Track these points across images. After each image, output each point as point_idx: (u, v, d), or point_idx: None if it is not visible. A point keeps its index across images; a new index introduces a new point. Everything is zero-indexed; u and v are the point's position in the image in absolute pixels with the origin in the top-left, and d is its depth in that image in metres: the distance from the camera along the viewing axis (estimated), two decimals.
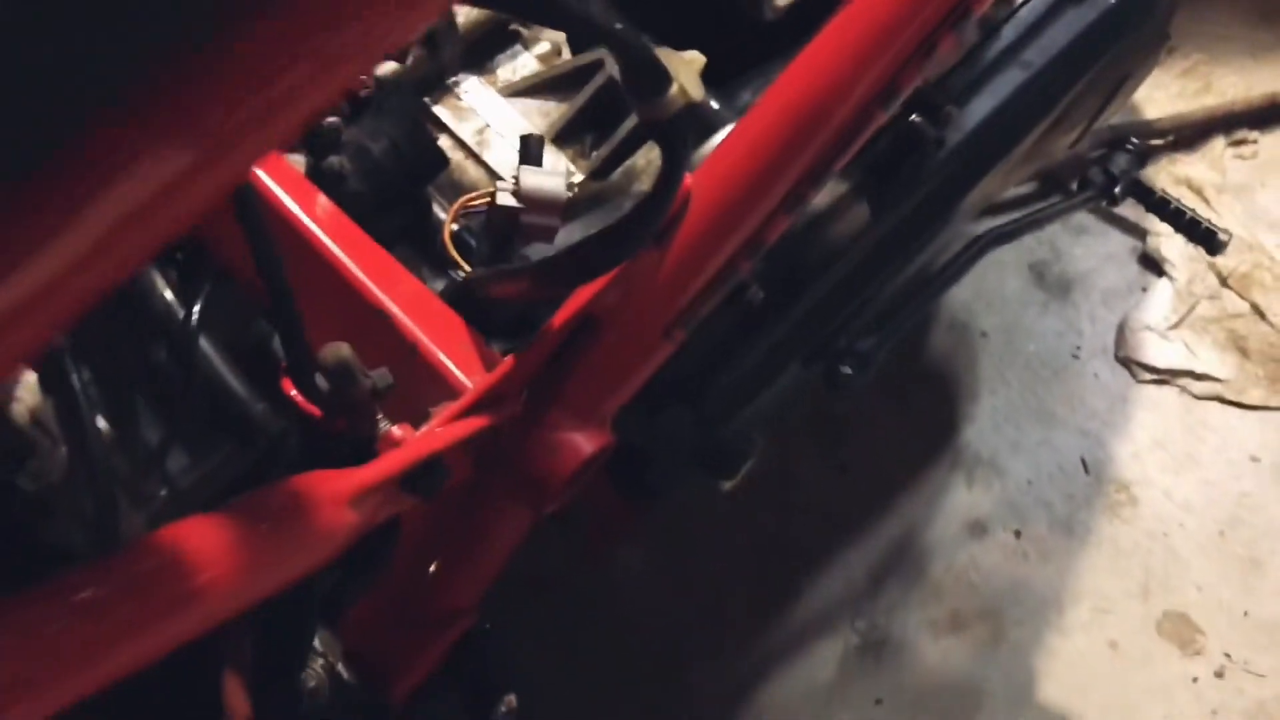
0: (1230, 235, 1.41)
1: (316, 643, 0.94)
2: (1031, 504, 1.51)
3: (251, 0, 0.32)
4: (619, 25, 0.51)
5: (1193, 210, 1.35)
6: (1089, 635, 1.43)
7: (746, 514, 1.49)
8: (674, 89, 0.55)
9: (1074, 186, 1.38)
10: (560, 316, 0.73)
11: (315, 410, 0.67)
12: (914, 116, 0.95)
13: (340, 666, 0.93)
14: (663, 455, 1.00)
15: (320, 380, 0.63)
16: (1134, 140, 1.30)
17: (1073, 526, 1.49)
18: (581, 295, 0.72)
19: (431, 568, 0.92)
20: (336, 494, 0.59)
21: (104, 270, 0.35)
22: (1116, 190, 1.27)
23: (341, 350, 0.59)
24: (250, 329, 0.77)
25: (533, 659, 1.37)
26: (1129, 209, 1.66)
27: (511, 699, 1.10)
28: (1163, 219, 1.38)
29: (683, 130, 0.57)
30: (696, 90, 0.60)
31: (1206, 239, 1.32)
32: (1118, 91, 1.26)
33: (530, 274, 0.71)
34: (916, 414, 1.58)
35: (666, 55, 0.53)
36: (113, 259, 0.35)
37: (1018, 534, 1.49)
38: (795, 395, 1.13)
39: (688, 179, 0.72)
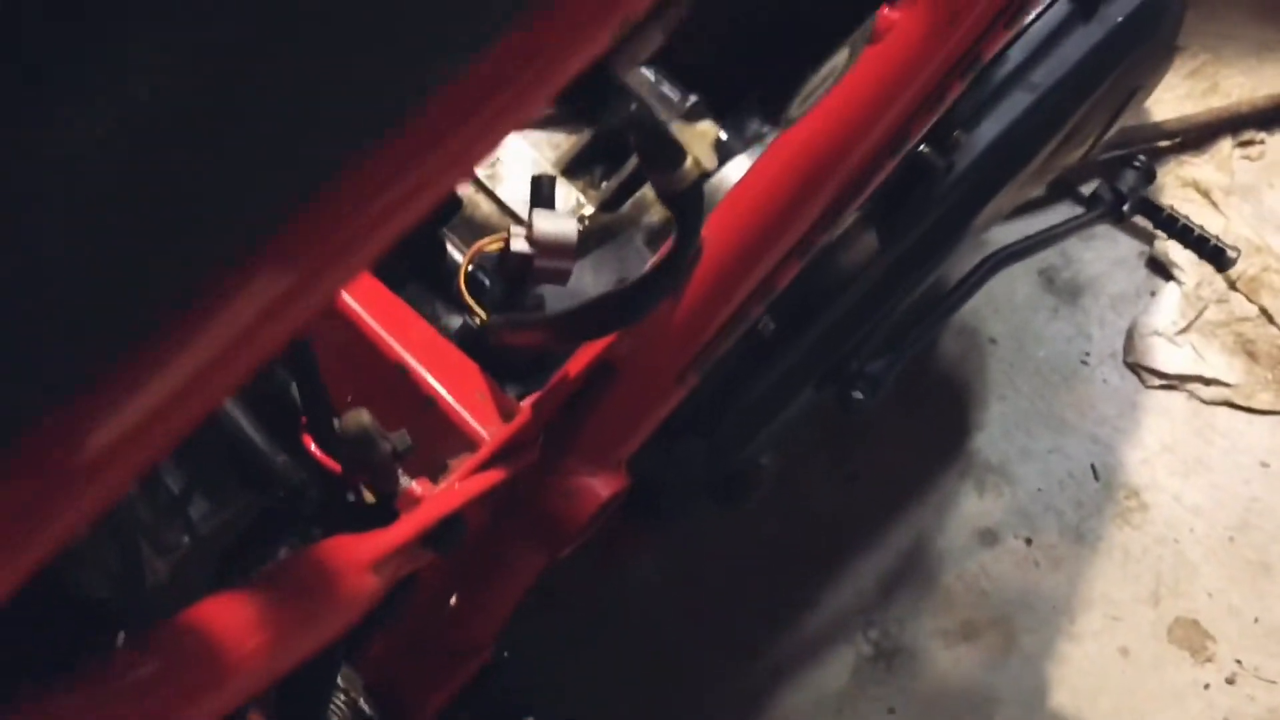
0: (1239, 251, 1.42)
1: (340, 679, 0.96)
2: (1042, 511, 1.52)
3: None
4: (635, 105, 0.52)
5: (1200, 227, 1.35)
6: (1100, 642, 1.44)
7: (757, 523, 1.50)
8: (689, 162, 0.55)
9: (1084, 202, 1.38)
10: (575, 365, 0.74)
11: (335, 466, 0.68)
12: (921, 146, 0.95)
13: (362, 702, 0.94)
14: (675, 486, 1.01)
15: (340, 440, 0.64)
16: (1141, 158, 1.30)
17: (1083, 533, 1.50)
18: (597, 345, 0.73)
19: (450, 601, 0.93)
20: (358, 561, 0.60)
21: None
22: (1125, 208, 1.27)
23: (362, 418, 0.60)
24: (270, 379, 0.78)
25: (545, 673, 1.38)
26: None
27: None
28: (1171, 236, 1.38)
29: (697, 200, 0.57)
30: (710, 160, 0.61)
31: (1215, 256, 1.33)
32: (1127, 105, 1.26)
33: (546, 326, 0.72)
34: (926, 422, 1.59)
35: (680, 129, 0.54)
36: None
37: (1028, 541, 1.50)
38: (806, 418, 1.14)
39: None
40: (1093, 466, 1.54)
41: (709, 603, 1.47)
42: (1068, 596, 1.47)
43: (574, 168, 1.04)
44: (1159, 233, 1.67)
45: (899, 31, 0.64)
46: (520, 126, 0.37)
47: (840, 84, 0.67)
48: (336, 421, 0.65)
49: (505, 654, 1.08)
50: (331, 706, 0.94)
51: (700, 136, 0.56)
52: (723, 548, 1.50)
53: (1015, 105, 1.08)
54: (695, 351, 0.76)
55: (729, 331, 0.77)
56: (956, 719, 1.40)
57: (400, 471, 0.68)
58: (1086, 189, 1.55)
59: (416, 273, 0.91)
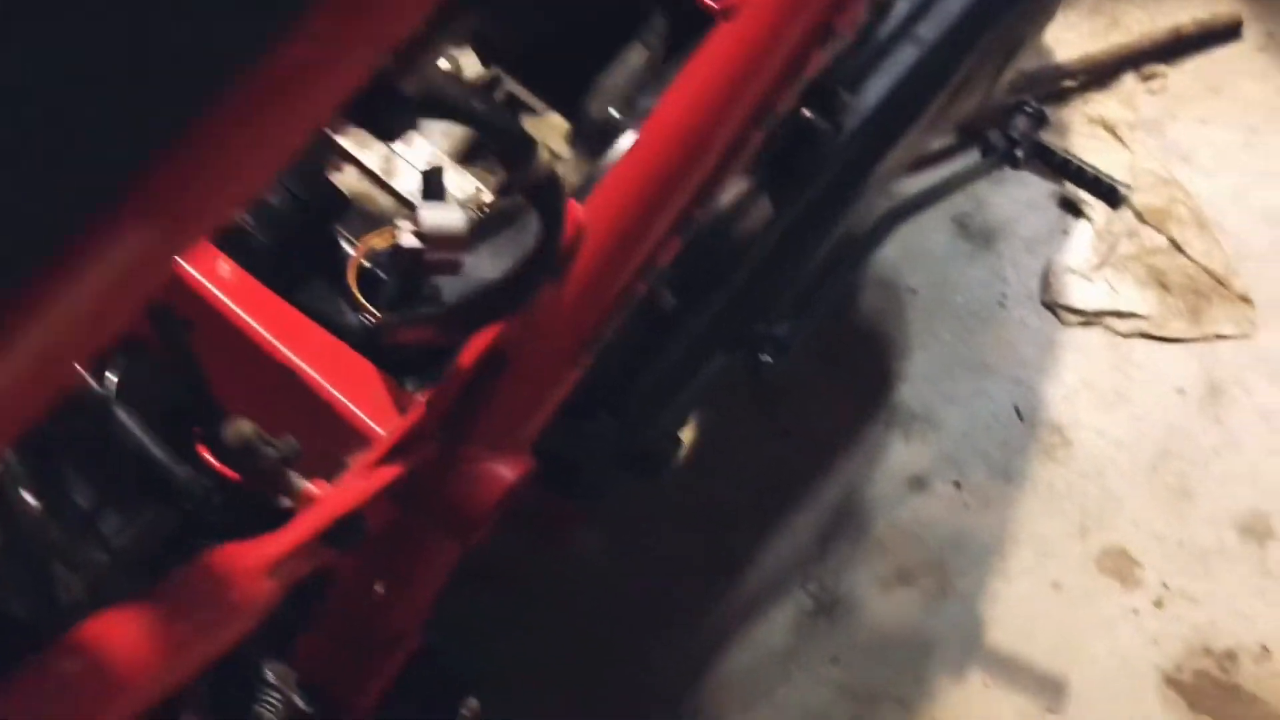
0: (1129, 188, 1.44)
1: (271, 676, 0.97)
2: (969, 454, 1.55)
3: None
4: (482, 106, 0.53)
5: (1093, 167, 1.38)
6: (1032, 578, 1.48)
7: (693, 486, 1.52)
8: (542, 155, 0.56)
9: (978, 150, 1.40)
10: (468, 355, 0.75)
11: (233, 474, 0.69)
12: (805, 110, 0.97)
13: (295, 697, 0.95)
14: (592, 464, 1.03)
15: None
16: (1032, 103, 1.32)
17: (1010, 473, 1.54)
18: (487, 334, 0.74)
19: (374, 592, 0.94)
20: (254, 566, 0.61)
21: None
22: (1019, 154, 1.29)
23: (243, 429, 0.60)
24: (167, 395, 0.78)
25: (488, 654, 1.40)
26: None
27: (473, 703, 1.14)
28: (1065, 178, 1.41)
29: (556, 190, 0.59)
30: (564, 150, 0.62)
31: (1108, 195, 1.35)
32: (1017, 51, 1.28)
33: (434, 321, 0.73)
34: (852, 375, 1.62)
35: (533, 124, 0.55)
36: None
37: (957, 485, 1.53)
38: (718, 385, 1.16)
39: (580, 212, 0.73)
40: (1016, 407, 1.58)
41: (650, 570, 1.49)
42: (998, 536, 1.50)
43: (472, 155, 1.04)
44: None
45: (750, 8, 0.65)
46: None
47: (695, 63, 0.68)
48: None
49: (437, 642, 1.10)
50: (266, 704, 0.95)
51: (553, 128, 0.57)
52: (661, 513, 1.52)
53: (901, 62, 1.09)
54: (585, 333, 0.77)
55: (617, 311, 0.78)
56: (898, 663, 1.43)
57: (296, 474, 0.69)
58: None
59: (315, 271, 0.92)
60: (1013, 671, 1.42)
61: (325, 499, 0.67)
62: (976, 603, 1.47)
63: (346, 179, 1.01)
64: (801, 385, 1.59)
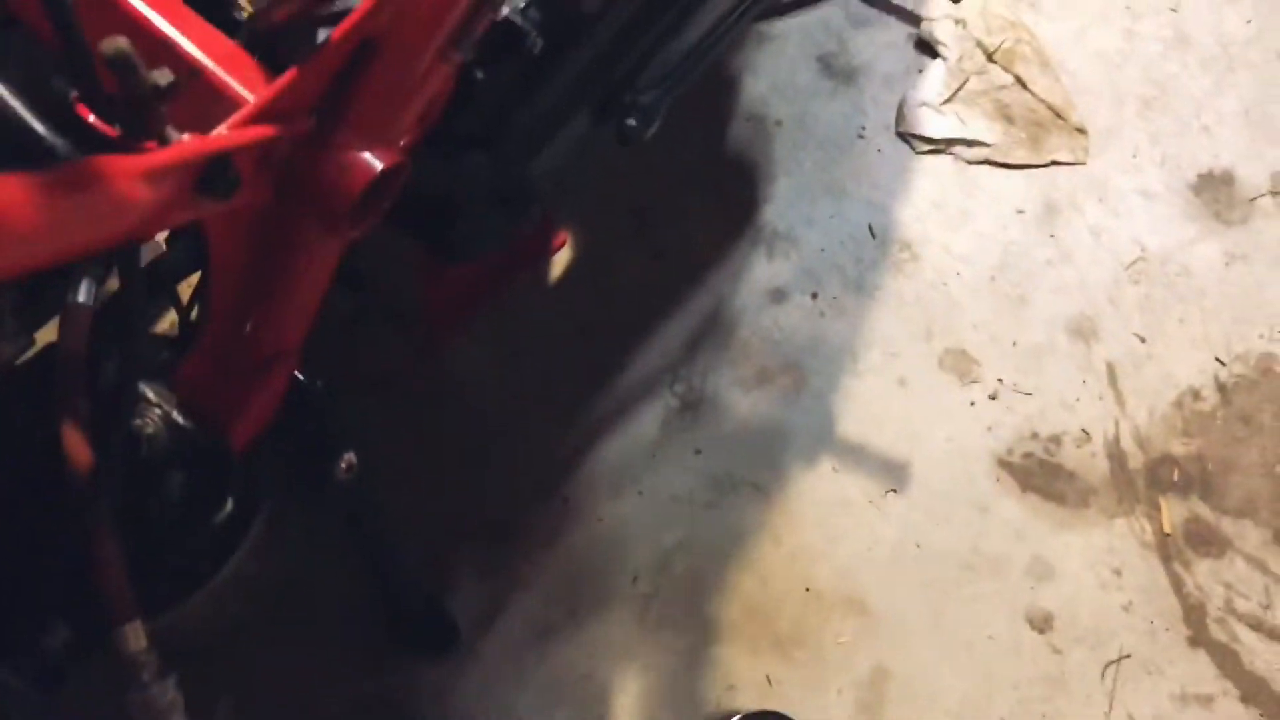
0: None
1: (151, 394, 1.04)
2: (826, 269, 1.67)
3: None
4: None
5: None
6: (880, 376, 1.60)
7: (571, 301, 1.62)
8: None
9: None
10: (336, 33, 0.83)
11: (111, 131, 0.76)
12: None
13: (176, 414, 1.03)
14: (465, 201, 1.11)
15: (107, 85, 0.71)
16: None
17: (863, 285, 1.66)
18: (354, 14, 0.82)
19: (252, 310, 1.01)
20: (129, 170, 0.69)
21: None
22: None
23: (119, 42, 0.67)
24: (48, 84, 0.85)
25: (380, 448, 1.48)
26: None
27: (350, 457, 1.22)
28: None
29: None
30: None
31: None
32: None
33: None
34: (721, 201, 1.72)
35: None
36: None
37: (814, 296, 1.65)
38: (585, 148, 1.24)
39: None
40: (870, 226, 1.69)
41: (530, 376, 1.58)
42: (851, 340, 1.63)
43: None
44: (925, 14, 1.82)
45: None
46: None
47: None
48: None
49: (319, 383, 1.18)
50: (146, 419, 1.03)
51: None
52: (539, 326, 1.61)
53: None
54: (452, 24, 0.85)
55: (483, 8, 0.86)
56: (755, 451, 1.55)
57: (173, 129, 0.77)
58: None
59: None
60: (860, 457, 1.55)
61: (199, 139, 0.75)
62: (828, 399, 1.59)
63: None
64: (675, 211, 1.69)
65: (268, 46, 0.89)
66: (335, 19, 0.85)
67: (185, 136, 0.77)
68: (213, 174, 0.76)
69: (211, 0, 0.91)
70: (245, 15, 0.89)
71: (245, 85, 0.81)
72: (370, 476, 1.24)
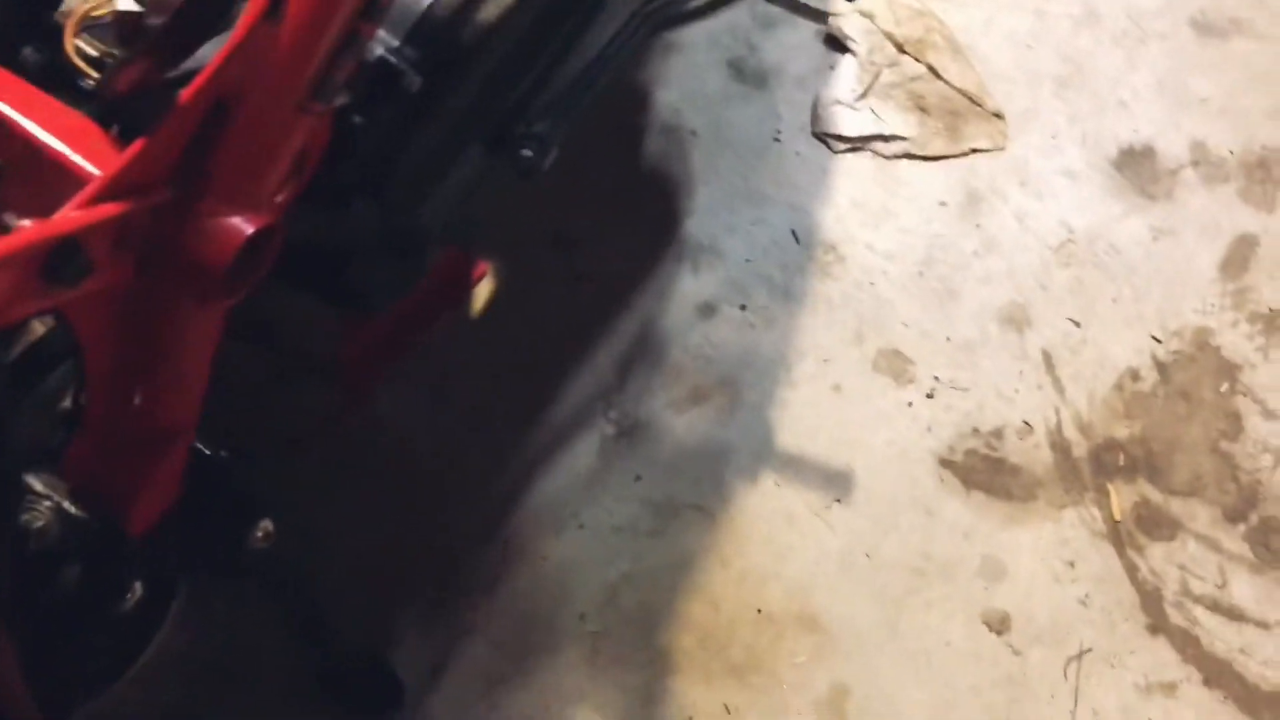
0: None
1: (39, 485, 0.99)
2: (752, 279, 1.63)
3: None
4: None
5: None
6: (815, 384, 1.57)
7: (497, 334, 1.58)
8: None
9: None
10: (185, 95, 0.78)
11: None
12: None
13: (67, 504, 0.98)
14: (356, 252, 1.07)
15: None
16: None
17: (790, 292, 1.62)
18: (204, 74, 0.77)
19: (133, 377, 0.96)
20: None
21: None
22: None
23: None
24: None
25: (307, 507, 1.43)
26: None
27: (267, 524, 1.17)
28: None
29: None
30: None
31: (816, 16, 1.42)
32: None
33: (145, 51, 0.75)
34: (642, 217, 1.68)
35: None
36: None
37: (743, 307, 1.61)
38: (485, 182, 1.20)
39: None
40: (793, 231, 1.66)
41: (460, 417, 1.54)
42: (782, 350, 1.59)
43: None
44: (832, 11, 1.79)
45: None
46: None
47: None
48: None
49: (224, 454, 1.13)
50: (35, 512, 0.97)
51: None
52: (468, 364, 1.56)
53: None
54: (310, 75, 0.81)
55: (344, 53, 0.82)
56: (696, 472, 1.51)
57: (11, 214, 0.72)
58: None
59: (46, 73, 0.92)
60: (801, 469, 1.52)
61: (37, 226, 0.70)
62: (765, 412, 1.55)
63: None
64: (594, 231, 1.65)
65: (127, 117, 0.84)
66: (187, 80, 0.80)
67: (25, 222, 0.72)
68: (60, 259, 0.71)
69: (55, 72, 0.87)
70: (86, 83, 0.84)
71: (92, 160, 0.76)
72: (295, 541, 1.19)
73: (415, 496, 1.49)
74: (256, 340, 1.34)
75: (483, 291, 1.64)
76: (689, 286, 1.63)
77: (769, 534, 1.48)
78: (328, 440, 1.49)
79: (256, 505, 1.15)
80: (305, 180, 0.95)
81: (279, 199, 0.90)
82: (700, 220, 1.67)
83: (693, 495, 1.51)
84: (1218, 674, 1.38)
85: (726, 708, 1.38)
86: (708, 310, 1.62)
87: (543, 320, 1.60)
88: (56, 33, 0.89)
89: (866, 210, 1.68)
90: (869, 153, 1.72)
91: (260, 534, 1.15)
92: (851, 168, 1.71)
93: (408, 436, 1.53)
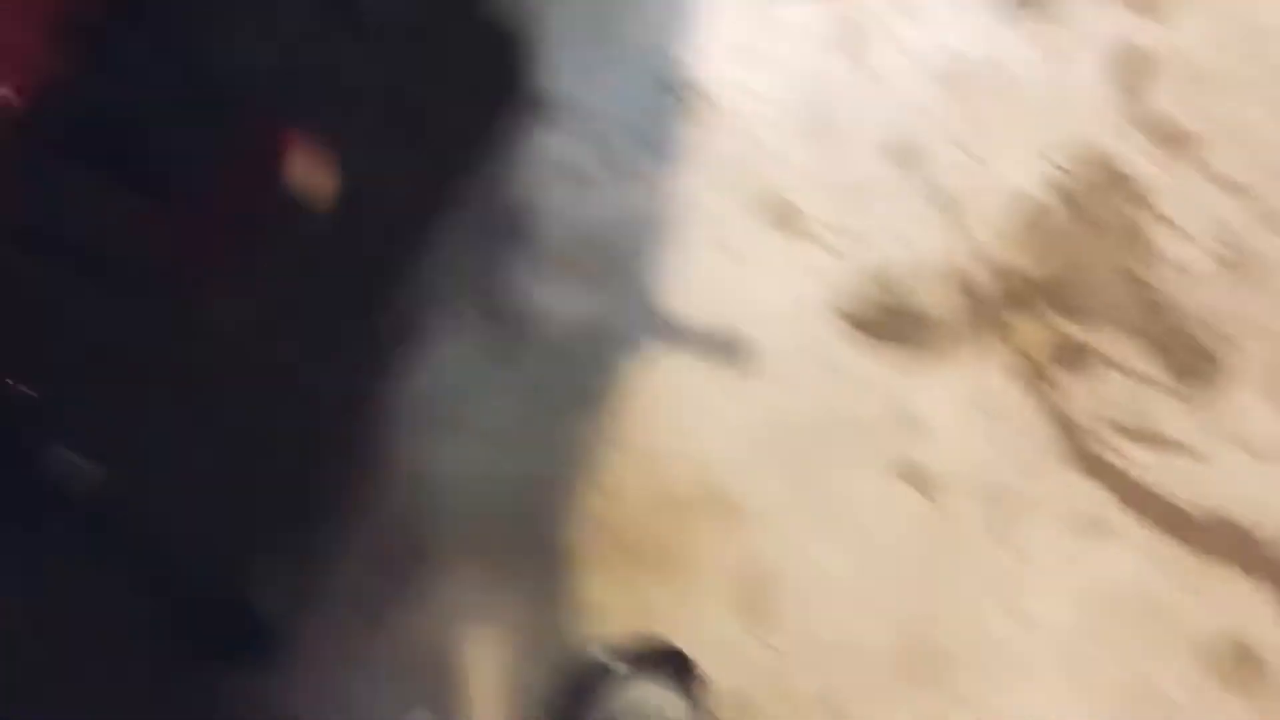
0: None
1: None
2: (617, 132, 1.48)
3: None
4: None
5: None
6: (696, 243, 1.43)
7: (339, 224, 1.38)
8: None
9: None
10: None
11: None
12: None
13: None
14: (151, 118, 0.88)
15: None
16: None
17: (660, 144, 1.47)
18: None
19: None
20: None
21: None
22: None
23: None
24: None
25: (143, 443, 1.24)
26: None
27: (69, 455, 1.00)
28: None
29: None
30: None
31: None
32: None
33: None
34: (488, 68, 1.49)
35: None
36: None
37: (609, 165, 1.46)
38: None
39: None
40: (659, 78, 1.50)
41: (307, 323, 1.35)
42: (659, 209, 1.44)
43: None
44: None
45: None
46: None
47: None
48: None
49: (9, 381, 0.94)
50: None
51: None
52: (309, 260, 1.37)
53: None
54: None
55: None
56: (576, 353, 1.37)
57: None
58: None
59: None
60: (691, 338, 1.39)
61: None
62: (645, 279, 1.41)
63: None
64: (437, 93, 1.46)
65: None
66: None
67: None
68: None
69: None
70: None
71: None
72: (130, 482, 1.03)
73: (266, 418, 1.30)
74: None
75: (323, 180, 1.44)
76: (546, 145, 1.46)
77: (665, 411, 1.35)
78: (163, 359, 1.30)
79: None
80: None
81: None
82: (553, 70, 1.49)
83: (577, 377, 1.36)
84: (1148, 504, 1.32)
85: (640, 602, 1.26)
86: (569, 170, 1.45)
87: (386, 197, 1.41)
88: None
89: (741, 51, 1.52)
90: None
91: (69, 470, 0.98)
92: (721, 3, 1.54)
93: (253, 350, 1.33)
